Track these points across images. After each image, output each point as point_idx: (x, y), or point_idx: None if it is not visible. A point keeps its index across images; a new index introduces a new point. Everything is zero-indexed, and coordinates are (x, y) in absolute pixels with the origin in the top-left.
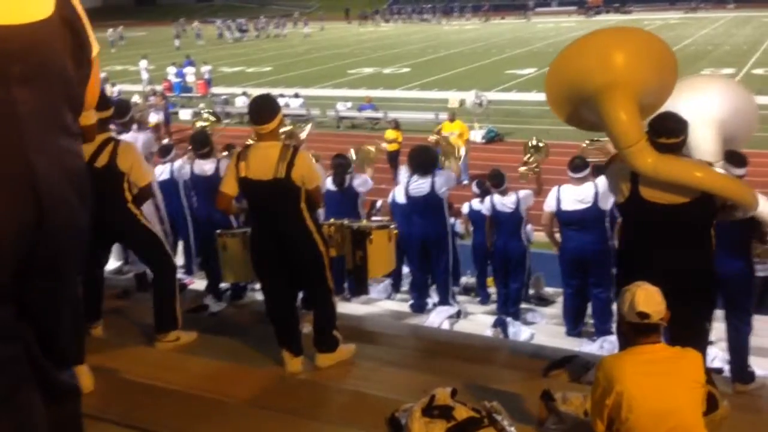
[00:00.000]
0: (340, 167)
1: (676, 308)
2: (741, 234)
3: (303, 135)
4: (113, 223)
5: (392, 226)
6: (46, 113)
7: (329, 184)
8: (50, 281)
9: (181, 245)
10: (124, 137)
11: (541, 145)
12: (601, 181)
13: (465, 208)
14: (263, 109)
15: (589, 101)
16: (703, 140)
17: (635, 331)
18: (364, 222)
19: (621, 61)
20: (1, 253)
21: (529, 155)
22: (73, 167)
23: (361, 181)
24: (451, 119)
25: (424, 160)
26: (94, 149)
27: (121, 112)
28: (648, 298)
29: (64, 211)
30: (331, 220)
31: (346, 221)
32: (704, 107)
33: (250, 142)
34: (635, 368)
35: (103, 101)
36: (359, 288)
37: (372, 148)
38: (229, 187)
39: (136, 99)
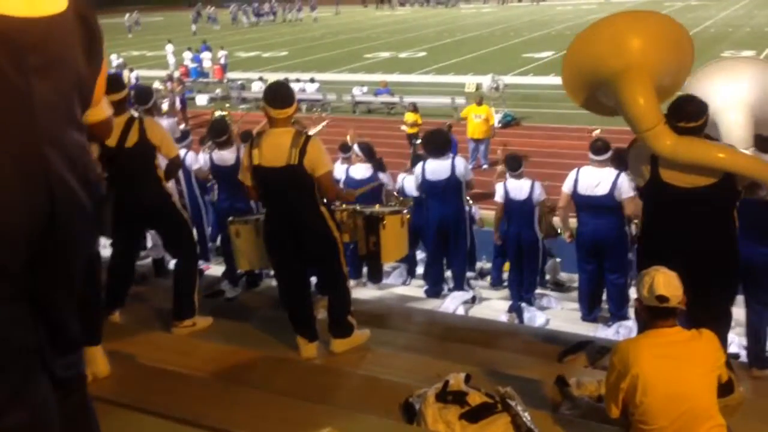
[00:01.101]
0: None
1: (697, 291)
2: (766, 219)
3: (314, 131)
4: (148, 205)
5: (405, 211)
6: (59, 106)
7: (382, 175)
8: (60, 273)
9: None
10: None
11: None
12: (623, 175)
13: None
14: (283, 95)
15: (605, 86)
16: (734, 125)
17: (653, 315)
18: (377, 207)
19: (636, 44)
20: (17, 243)
21: None
22: (82, 161)
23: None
24: (479, 103)
25: (440, 143)
26: (121, 130)
27: (143, 98)
28: (667, 282)
29: (73, 203)
30: (343, 206)
31: (358, 207)
32: (734, 91)
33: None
34: (651, 351)
35: (117, 83)
36: (373, 273)
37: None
38: (248, 178)
39: (157, 85)
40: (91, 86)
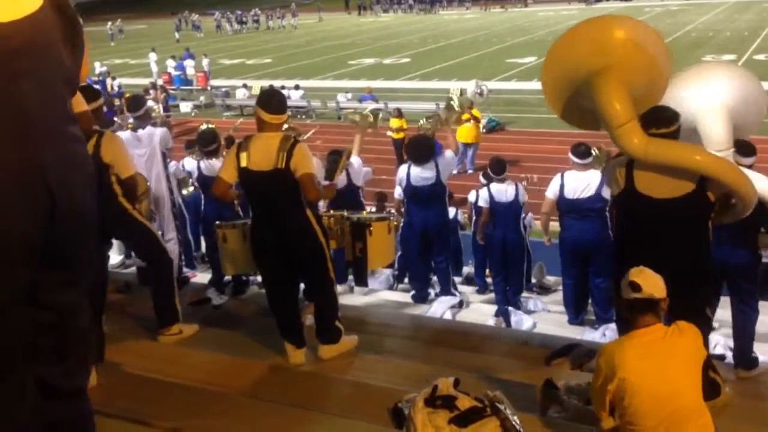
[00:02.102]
0: (335, 164)
1: (674, 297)
2: (746, 220)
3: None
4: (104, 217)
5: (392, 218)
6: (51, 104)
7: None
8: (65, 271)
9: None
10: (141, 132)
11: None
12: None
13: (471, 197)
14: (279, 101)
15: (582, 89)
16: (713, 127)
17: (632, 310)
18: (364, 213)
19: (611, 45)
20: (25, 252)
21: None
22: (80, 154)
23: (356, 173)
24: (470, 106)
25: (424, 150)
26: None
27: (135, 105)
28: (647, 277)
29: (74, 200)
30: (330, 212)
31: (345, 213)
32: (713, 94)
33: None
34: (635, 352)
35: (93, 93)
36: (358, 280)
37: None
38: (228, 174)
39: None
40: (77, 75)
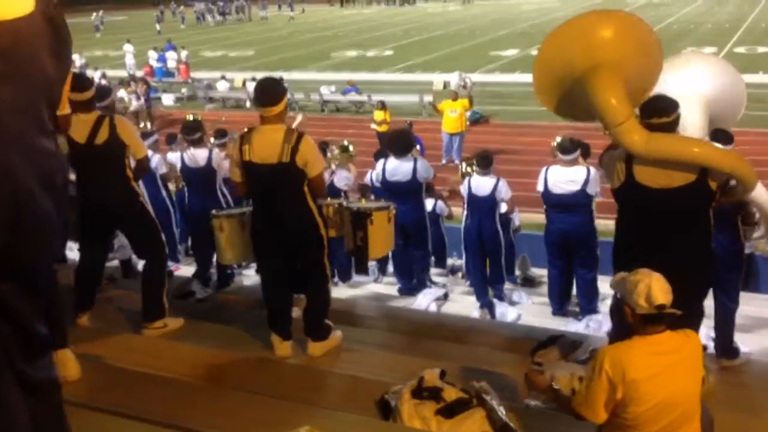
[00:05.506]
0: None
1: (673, 290)
2: (729, 210)
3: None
4: (116, 204)
5: (391, 207)
6: (25, 112)
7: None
8: (24, 280)
9: None
10: None
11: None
12: (594, 168)
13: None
14: (271, 92)
15: (576, 87)
16: (688, 116)
17: (646, 322)
18: (363, 202)
19: (603, 42)
20: None
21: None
22: (48, 166)
23: (341, 178)
24: (453, 98)
25: (404, 143)
26: (91, 127)
27: (100, 96)
28: (663, 288)
29: (38, 212)
30: (328, 200)
31: (344, 202)
32: (692, 84)
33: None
34: (644, 360)
35: (85, 82)
36: (360, 268)
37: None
38: (237, 174)
39: (121, 94)
40: (60, 88)
